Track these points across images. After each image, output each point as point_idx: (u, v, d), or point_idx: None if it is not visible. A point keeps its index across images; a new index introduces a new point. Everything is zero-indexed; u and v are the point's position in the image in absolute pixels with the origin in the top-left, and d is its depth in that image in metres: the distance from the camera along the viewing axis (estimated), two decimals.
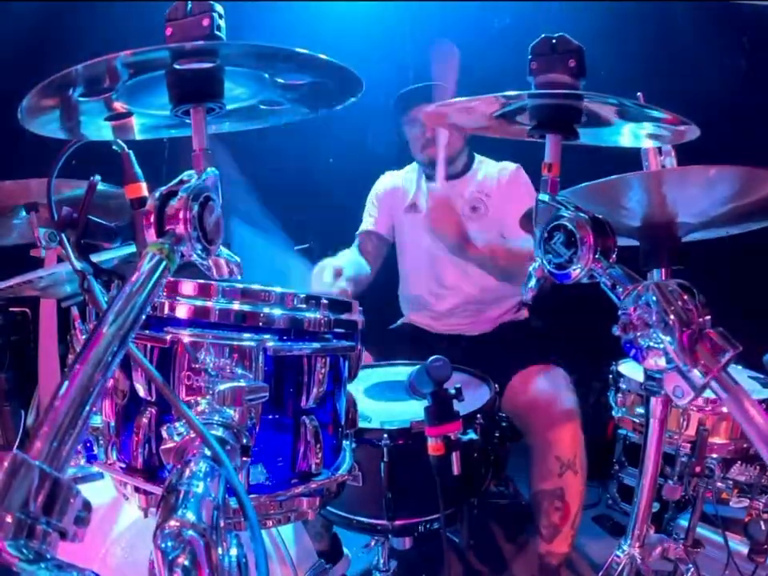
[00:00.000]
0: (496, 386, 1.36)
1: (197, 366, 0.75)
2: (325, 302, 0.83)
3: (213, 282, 0.77)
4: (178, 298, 0.78)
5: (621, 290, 0.72)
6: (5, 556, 0.36)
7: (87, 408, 0.46)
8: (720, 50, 2.09)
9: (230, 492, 0.56)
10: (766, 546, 1.25)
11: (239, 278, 0.72)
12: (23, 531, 0.38)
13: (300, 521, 1.10)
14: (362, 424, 1.01)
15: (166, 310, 0.78)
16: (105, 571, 1.01)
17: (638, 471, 1.09)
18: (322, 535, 1.55)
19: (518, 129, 0.90)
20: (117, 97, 0.71)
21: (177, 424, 0.64)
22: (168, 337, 0.76)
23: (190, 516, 0.49)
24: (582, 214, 0.75)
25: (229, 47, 0.66)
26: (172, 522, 0.48)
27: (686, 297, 0.67)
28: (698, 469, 1.30)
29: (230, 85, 0.72)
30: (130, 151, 0.80)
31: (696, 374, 0.65)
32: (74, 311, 1.30)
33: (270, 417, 0.80)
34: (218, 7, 0.66)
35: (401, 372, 1.42)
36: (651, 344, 0.69)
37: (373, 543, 1.31)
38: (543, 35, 0.79)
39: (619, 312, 0.72)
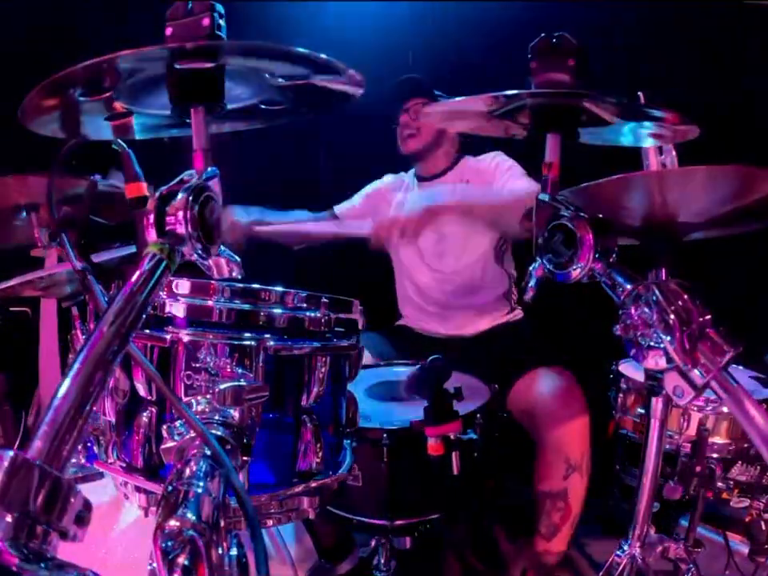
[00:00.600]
0: (495, 386, 1.36)
1: (197, 365, 0.75)
2: (325, 301, 0.83)
3: (213, 282, 0.77)
4: (178, 297, 0.78)
5: (621, 289, 0.72)
6: (5, 556, 0.36)
7: (87, 408, 0.46)
8: (720, 48, 2.08)
9: (230, 491, 0.56)
10: (766, 546, 1.25)
11: (239, 277, 0.72)
12: (23, 531, 0.38)
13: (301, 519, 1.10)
14: (361, 423, 1.01)
15: (166, 310, 0.78)
16: (105, 571, 1.01)
17: (639, 471, 1.09)
18: (330, 532, 1.55)
19: (518, 128, 0.90)
20: (117, 97, 0.71)
21: (177, 423, 0.64)
22: (168, 336, 0.76)
23: (191, 515, 0.49)
24: (581, 214, 0.75)
25: (229, 47, 0.66)
26: (172, 522, 0.48)
27: (686, 296, 0.67)
28: (698, 469, 1.30)
29: (230, 84, 0.72)
30: (130, 151, 0.80)
31: (696, 373, 0.65)
32: (75, 311, 1.30)
33: (271, 416, 0.80)
34: (219, 7, 0.66)
35: (401, 372, 1.42)
36: (652, 344, 0.68)
37: (373, 543, 1.31)
38: (543, 34, 0.79)
39: (620, 312, 0.72)
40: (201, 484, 0.53)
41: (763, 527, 1.26)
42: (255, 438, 0.72)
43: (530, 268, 0.84)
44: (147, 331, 0.77)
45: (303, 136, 2.09)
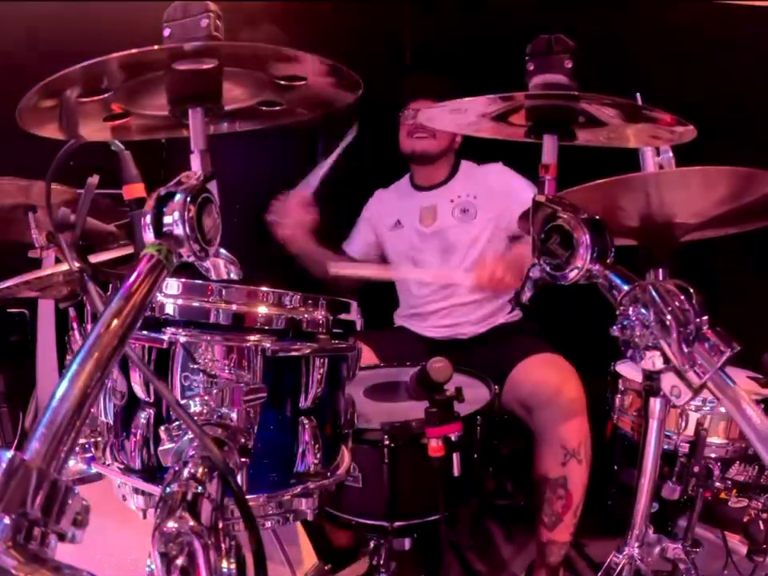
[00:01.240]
0: (496, 387, 1.36)
1: (195, 366, 0.75)
2: (323, 302, 0.84)
3: (210, 283, 0.77)
4: (175, 298, 0.78)
5: (618, 290, 0.73)
6: (3, 558, 0.36)
7: (85, 409, 0.46)
8: (719, 50, 2.09)
9: (228, 493, 0.56)
10: (764, 546, 1.26)
11: (237, 278, 0.72)
12: (21, 533, 0.38)
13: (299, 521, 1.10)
14: (361, 424, 1.01)
15: (164, 311, 0.78)
16: (103, 573, 1.01)
17: (637, 471, 1.09)
18: (343, 532, 1.54)
19: (515, 130, 0.90)
20: (115, 98, 0.71)
21: (175, 425, 0.64)
22: (166, 337, 0.76)
23: (189, 517, 0.49)
24: (578, 215, 0.75)
25: (227, 48, 0.66)
26: (170, 523, 0.48)
27: (683, 297, 0.67)
28: (696, 469, 1.30)
29: (228, 85, 0.72)
30: (128, 152, 0.80)
31: (693, 374, 0.65)
32: (72, 312, 1.29)
33: (269, 417, 0.80)
34: (216, 8, 0.66)
35: (401, 373, 1.42)
36: (649, 344, 0.69)
37: (373, 544, 1.31)
38: (540, 35, 0.79)
39: (617, 312, 0.72)
40: (199, 486, 0.53)
41: (761, 527, 1.26)
42: (253, 440, 0.72)
43: (527, 269, 0.84)
44: (145, 332, 0.77)
45: (303, 136, 2.09)
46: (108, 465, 0.83)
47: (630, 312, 0.70)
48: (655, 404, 1.04)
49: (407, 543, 1.23)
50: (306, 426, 0.81)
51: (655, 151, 1.06)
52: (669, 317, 0.65)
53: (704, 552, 1.28)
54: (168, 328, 0.77)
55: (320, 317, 0.82)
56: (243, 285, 0.79)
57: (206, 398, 0.71)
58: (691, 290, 0.69)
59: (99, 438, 0.86)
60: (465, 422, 1.09)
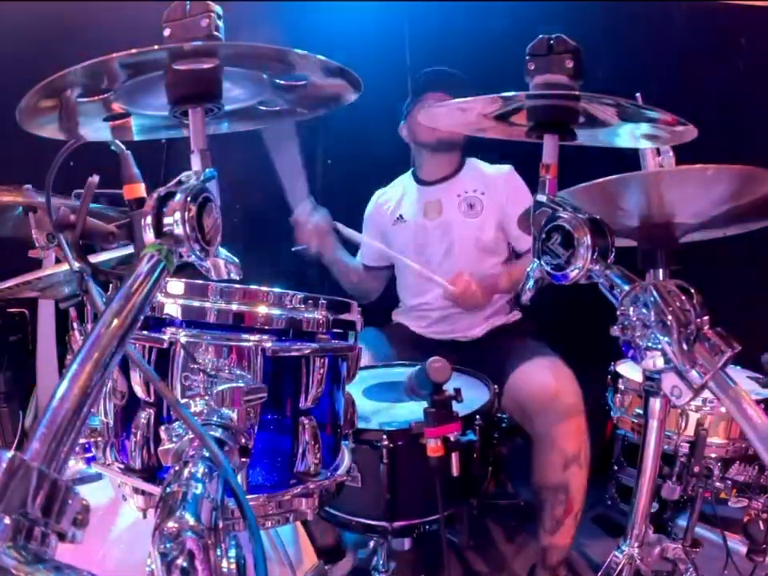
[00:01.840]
0: (495, 387, 1.36)
1: (195, 366, 0.75)
2: (323, 302, 0.84)
3: (211, 283, 0.77)
4: (176, 298, 0.78)
5: (619, 290, 0.73)
6: (3, 558, 0.36)
7: (86, 409, 0.46)
8: (718, 50, 2.09)
9: (228, 493, 0.56)
10: (764, 546, 1.26)
11: (238, 278, 0.72)
12: (21, 533, 0.37)
13: (299, 521, 1.10)
14: (360, 425, 1.01)
15: (164, 311, 0.78)
16: (103, 573, 1.01)
17: (637, 471, 1.09)
18: (328, 532, 1.55)
19: (515, 130, 0.90)
20: (115, 97, 0.71)
21: (175, 425, 0.64)
22: (166, 337, 0.76)
23: (189, 517, 0.49)
24: (579, 215, 0.75)
25: (227, 48, 0.66)
26: (170, 524, 0.48)
27: (683, 297, 0.67)
28: (696, 469, 1.30)
29: (228, 85, 0.72)
30: (129, 152, 0.80)
31: (694, 374, 0.65)
32: (72, 312, 1.29)
33: (269, 417, 0.80)
34: (217, 8, 0.66)
35: (400, 373, 1.42)
36: (649, 344, 0.69)
37: (372, 544, 1.31)
38: (540, 36, 0.79)
39: (617, 312, 0.72)
40: (199, 485, 0.53)
41: (761, 527, 1.26)
42: (253, 440, 0.72)
43: (528, 269, 0.84)
44: (145, 332, 0.77)
45: (303, 136, 2.09)
46: (108, 465, 0.83)
47: (631, 312, 0.70)
48: (655, 404, 1.04)
49: (407, 543, 1.23)
50: (306, 426, 0.81)
51: (655, 151, 1.06)
52: (669, 317, 0.65)
53: (704, 552, 1.28)
54: (168, 328, 0.77)
55: (320, 317, 0.82)
56: (243, 284, 0.79)
57: (206, 397, 0.71)
58: (692, 290, 0.69)
59: (99, 438, 0.86)
60: (464, 422, 1.09)
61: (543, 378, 1.55)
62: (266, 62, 0.69)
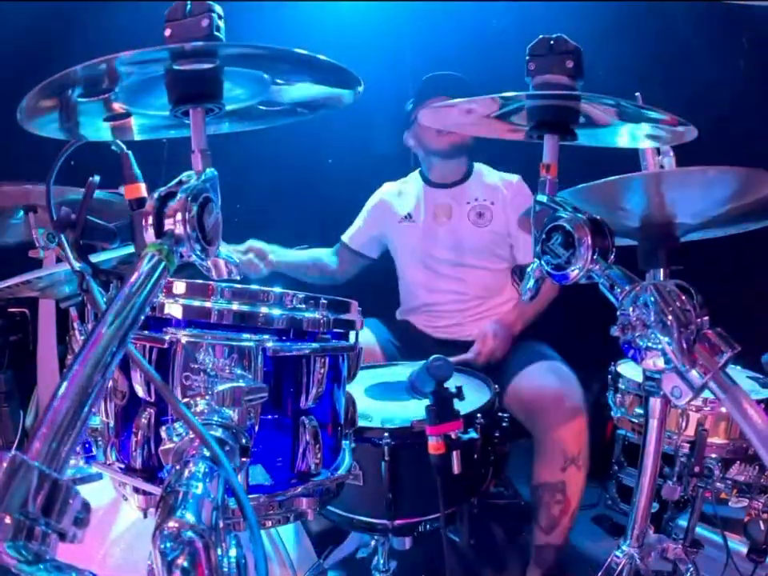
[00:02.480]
0: (496, 386, 1.37)
1: (196, 366, 0.75)
2: (324, 301, 0.84)
3: (211, 283, 0.77)
4: (176, 298, 0.78)
5: (619, 290, 0.73)
6: (4, 557, 0.36)
7: (86, 409, 0.46)
8: (719, 50, 2.09)
9: (229, 492, 0.56)
10: (765, 546, 1.25)
11: (238, 278, 0.72)
12: (22, 532, 0.38)
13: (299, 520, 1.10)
14: (362, 423, 1.01)
15: (165, 311, 0.78)
16: (104, 572, 1.01)
17: (637, 471, 1.09)
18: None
19: (516, 130, 0.90)
20: (116, 97, 0.71)
21: (176, 425, 0.64)
22: (167, 337, 0.76)
23: (189, 517, 0.49)
24: (579, 215, 0.75)
25: (228, 48, 0.66)
26: (171, 523, 0.48)
27: (684, 297, 0.67)
28: (697, 469, 1.30)
29: (229, 85, 0.72)
30: (129, 152, 0.80)
31: (694, 374, 0.65)
32: (73, 312, 1.29)
33: (270, 417, 0.80)
34: (217, 8, 0.66)
35: (401, 372, 1.42)
36: (650, 344, 0.69)
37: (373, 543, 1.31)
38: (541, 36, 0.79)
39: (618, 313, 0.72)
40: (200, 485, 0.53)
41: (762, 527, 1.26)
42: (254, 439, 0.72)
43: (529, 269, 0.84)
44: (146, 332, 0.77)
45: (303, 136, 2.09)
46: (109, 464, 0.83)
47: (631, 312, 0.70)
48: (655, 404, 1.04)
49: (407, 542, 1.23)
50: (307, 426, 0.81)
51: (655, 151, 1.06)
52: (670, 317, 0.65)
53: (704, 552, 1.28)
54: (169, 327, 0.77)
55: (320, 316, 0.82)
56: (244, 284, 0.79)
57: (207, 397, 0.71)
58: (692, 290, 0.69)
59: (99, 438, 0.86)
60: (465, 420, 1.09)
61: (547, 380, 1.57)
62: (266, 61, 0.69)
